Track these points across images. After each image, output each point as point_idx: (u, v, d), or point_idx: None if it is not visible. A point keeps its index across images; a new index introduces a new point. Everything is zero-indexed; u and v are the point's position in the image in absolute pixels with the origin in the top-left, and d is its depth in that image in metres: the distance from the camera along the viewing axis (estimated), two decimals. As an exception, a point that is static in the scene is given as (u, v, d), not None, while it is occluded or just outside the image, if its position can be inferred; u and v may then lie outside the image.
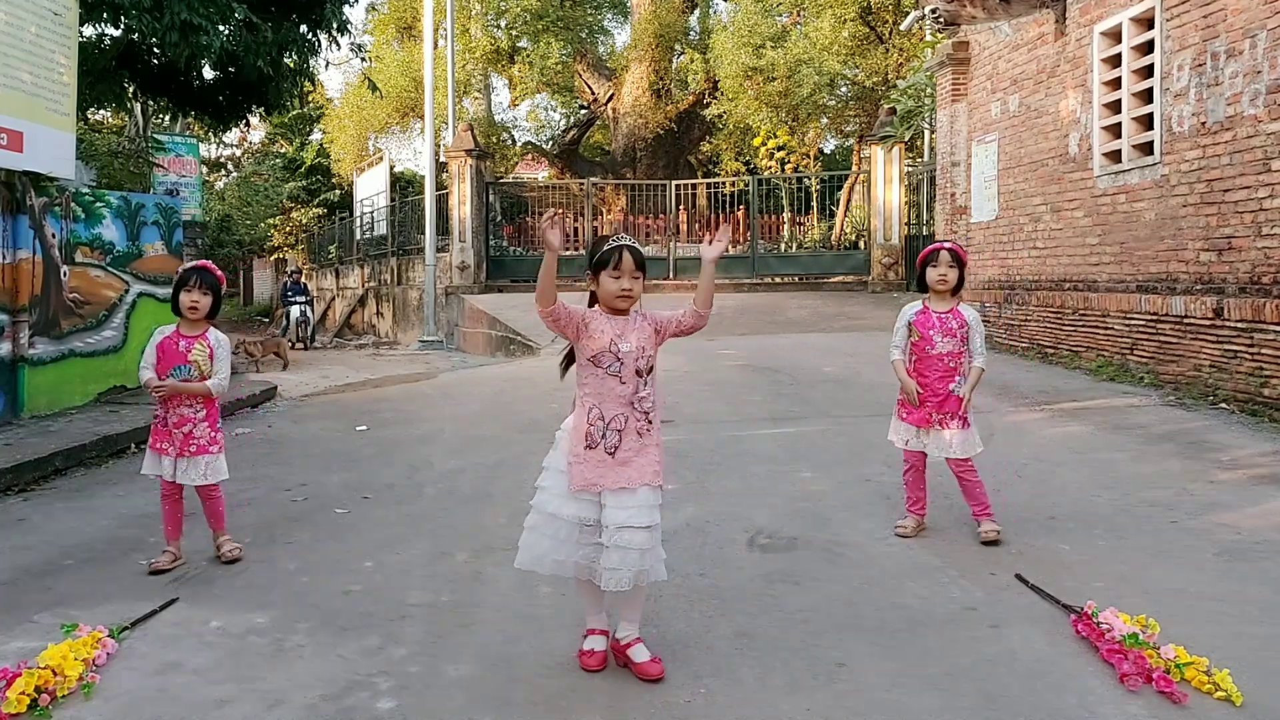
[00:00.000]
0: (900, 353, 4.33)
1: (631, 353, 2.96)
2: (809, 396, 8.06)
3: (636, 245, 3.03)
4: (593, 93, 26.27)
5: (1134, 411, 6.89)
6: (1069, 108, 9.23)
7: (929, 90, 14.29)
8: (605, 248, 2.99)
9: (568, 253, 20.31)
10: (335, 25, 10.62)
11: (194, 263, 4.27)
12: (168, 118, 14.45)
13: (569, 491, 2.96)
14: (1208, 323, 7.18)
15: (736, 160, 25.71)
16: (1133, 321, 8.17)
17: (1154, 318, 7.86)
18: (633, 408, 2.97)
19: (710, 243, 3.02)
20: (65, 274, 8.16)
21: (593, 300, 3.07)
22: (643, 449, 2.96)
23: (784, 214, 21.20)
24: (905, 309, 4.36)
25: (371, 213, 25.73)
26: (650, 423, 3.00)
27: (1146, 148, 8.11)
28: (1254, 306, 6.69)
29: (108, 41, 10.14)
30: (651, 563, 2.93)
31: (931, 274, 4.23)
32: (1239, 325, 6.84)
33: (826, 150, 27.75)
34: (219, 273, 4.26)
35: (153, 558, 4.11)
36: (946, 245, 4.30)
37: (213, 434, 4.18)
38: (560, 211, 3.12)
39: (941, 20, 11.43)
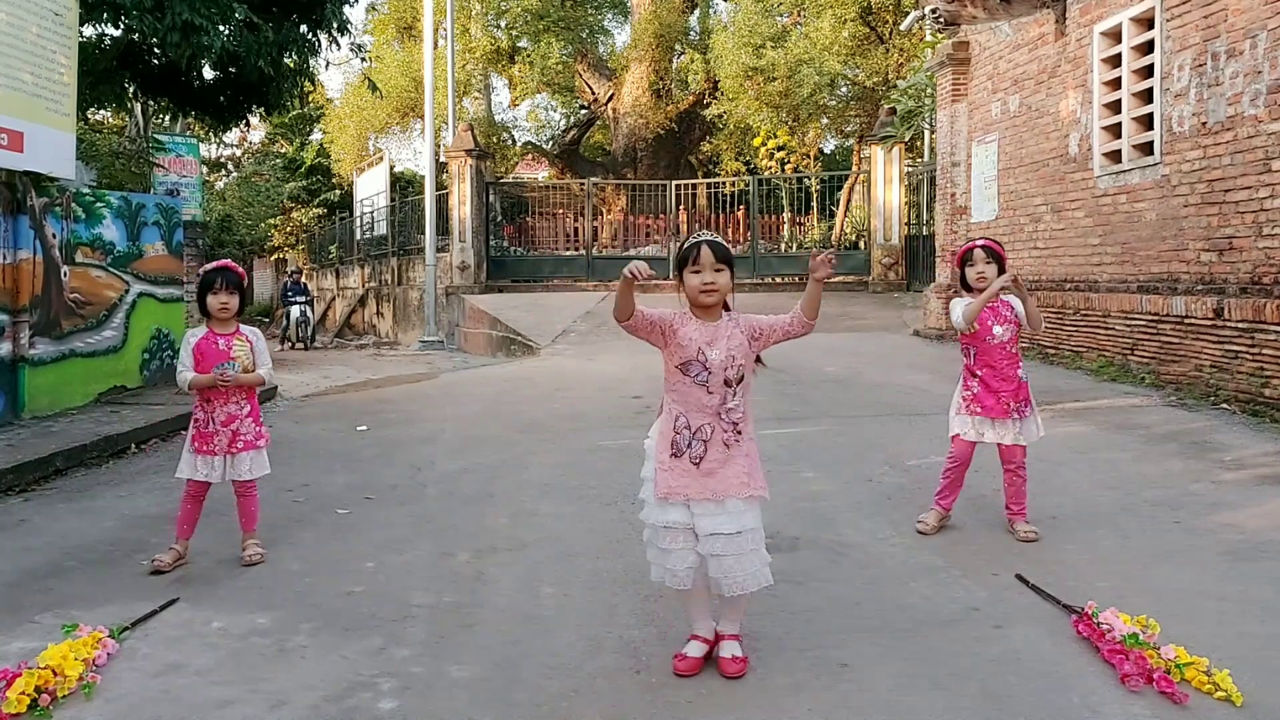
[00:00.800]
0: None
1: (720, 361, 2.90)
2: (811, 397, 8.06)
3: (718, 239, 2.98)
4: (593, 93, 26.27)
5: (1136, 412, 6.88)
6: (1069, 108, 9.23)
7: (929, 90, 14.29)
8: (685, 245, 2.96)
9: (568, 253, 20.35)
10: (335, 25, 10.61)
11: (216, 264, 4.27)
12: (168, 118, 14.45)
13: (655, 499, 2.93)
14: (1209, 323, 7.18)
15: (737, 160, 25.71)
16: (1134, 322, 8.17)
17: (1155, 318, 7.86)
18: (719, 418, 2.90)
19: (820, 262, 2.96)
20: (66, 274, 8.15)
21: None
22: (729, 460, 2.89)
23: (784, 214, 21.20)
24: (957, 301, 4.34)
25: (371, 213, 25.73)
26: (739, 433, 2.93)
27: (1147, 148, 8.11)
28: (1255, 307, 6.69)
29: (108, 41, 10.14)
30: (755, 567, 2.88)
31: (970, 273, 4.26)
32: (1240, 325, 6.84)
33: (826, 150, 27.75)
34: (241, 270, 4.31)
35: (155, 557, 4.10)
36: (980, 243, 4.32)
37: (258, 429, 4.23)
38: (637, 270, 3.04)
39: (941, 20, 11.44)
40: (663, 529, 2.90)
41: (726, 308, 3.03)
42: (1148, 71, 8.12)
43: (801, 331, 3.00)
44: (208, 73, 10.85)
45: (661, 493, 2.90)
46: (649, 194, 20.62)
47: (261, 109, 11.42)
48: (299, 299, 20.53)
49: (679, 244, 3.07)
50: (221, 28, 8.95)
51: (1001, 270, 4.25)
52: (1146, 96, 8.14)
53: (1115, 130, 8.58)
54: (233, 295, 4.15)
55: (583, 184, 21.14)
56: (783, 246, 20.34)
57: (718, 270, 2.91)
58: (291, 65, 10.66)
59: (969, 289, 4.31)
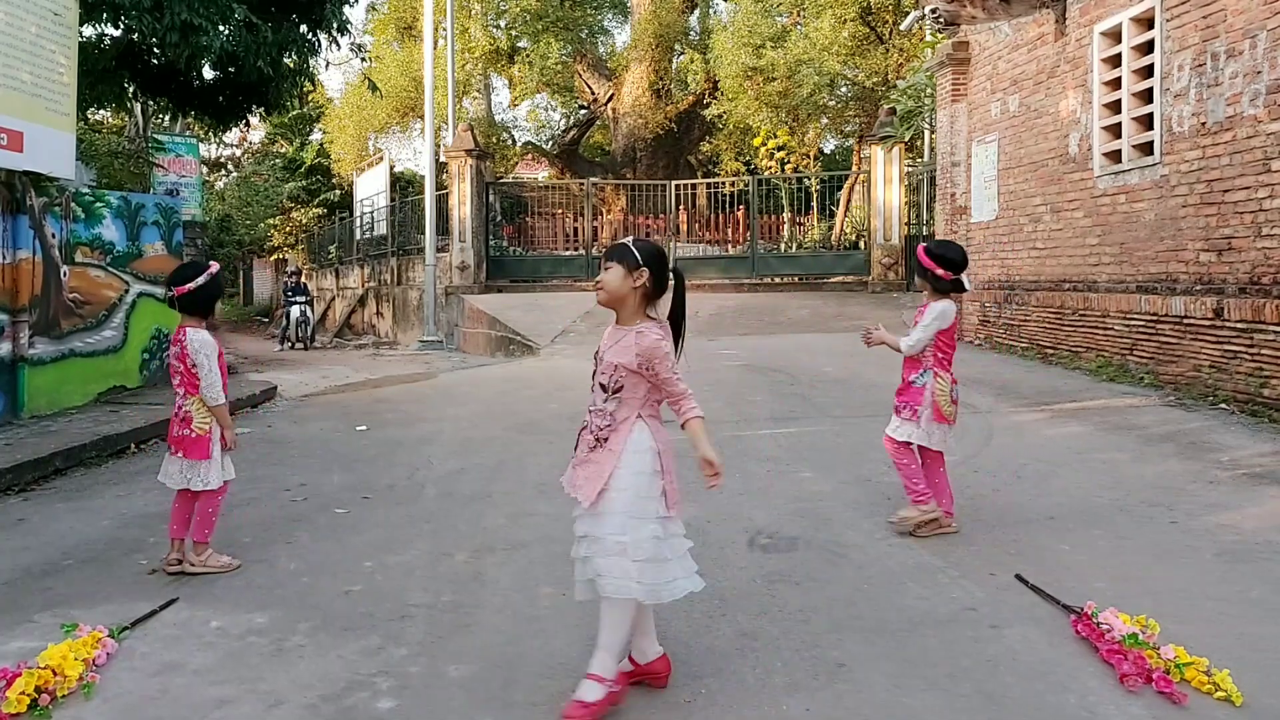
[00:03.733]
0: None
1: (605, 364, 2.83)
2: (809, 397, 8.06)
3: (622, 241, 2.94)
4: (593, 93, 26.27)
5: (1134, 412, 6.88)
6: (1069, 108, 9.23)
7: (929, 90, 14.28)
8: None
9: (568, 253, 20.34)
10: (335, 25, 10.62)
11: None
12: (168, 118, 14.47)
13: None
14: (1207, 323, 7.18)
15: (736, 160, 25.71)
16: (1132, 322, 8.17)
17: (1154, 318, 7.86)
18: (591, 416, 2.87)
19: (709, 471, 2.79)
20: (65, 274, 8.16)
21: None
22: (586, 461, 2.82)
23: (784, 214, 21.18)
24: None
25: (371, 213, 25.72)
26: (602, 442, 2.80)
27: (1146, 148, 8.11)
28: (1254, 307, 6.69)
29: (108, 41, 10.14)
30: (606, 576, 2.68)
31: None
32: (1239, 326, 6.84)
33: (826, 150, 27.74)
34: (194, 266, 4.02)
35: (151, 557, 4.11)
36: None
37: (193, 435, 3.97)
38: None
39: (941, 20, 11.44)
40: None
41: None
42: (1147, 71, 8.12)
43: (671, 406, 2.82)
44: (207, 73, 10.86)
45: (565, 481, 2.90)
46: (649, 194, 20.61)
47: (261, 109, 11.42)
48: (299, 299, 20.55)
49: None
50: (221, 28, 8.96)
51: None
52: (1146, 96, 8.14)
53: (1115, 130, 8.58)
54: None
55: (582, 184, 21.13)
56: (782, 246, 20.33)
57: (606, 268, 2.85)
58: (291, 65, 10.66)
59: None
